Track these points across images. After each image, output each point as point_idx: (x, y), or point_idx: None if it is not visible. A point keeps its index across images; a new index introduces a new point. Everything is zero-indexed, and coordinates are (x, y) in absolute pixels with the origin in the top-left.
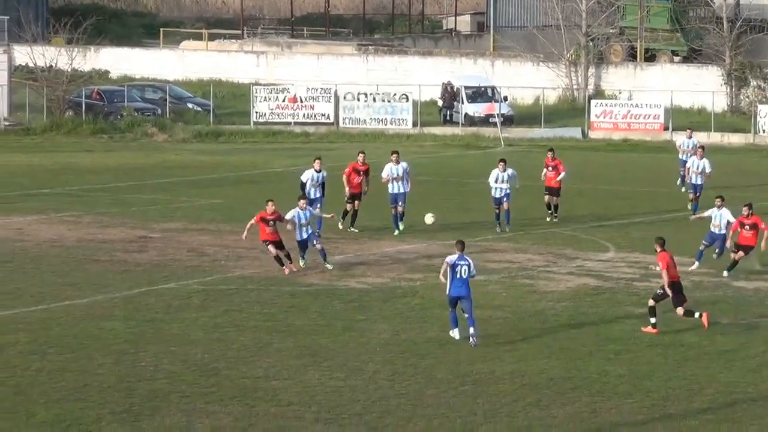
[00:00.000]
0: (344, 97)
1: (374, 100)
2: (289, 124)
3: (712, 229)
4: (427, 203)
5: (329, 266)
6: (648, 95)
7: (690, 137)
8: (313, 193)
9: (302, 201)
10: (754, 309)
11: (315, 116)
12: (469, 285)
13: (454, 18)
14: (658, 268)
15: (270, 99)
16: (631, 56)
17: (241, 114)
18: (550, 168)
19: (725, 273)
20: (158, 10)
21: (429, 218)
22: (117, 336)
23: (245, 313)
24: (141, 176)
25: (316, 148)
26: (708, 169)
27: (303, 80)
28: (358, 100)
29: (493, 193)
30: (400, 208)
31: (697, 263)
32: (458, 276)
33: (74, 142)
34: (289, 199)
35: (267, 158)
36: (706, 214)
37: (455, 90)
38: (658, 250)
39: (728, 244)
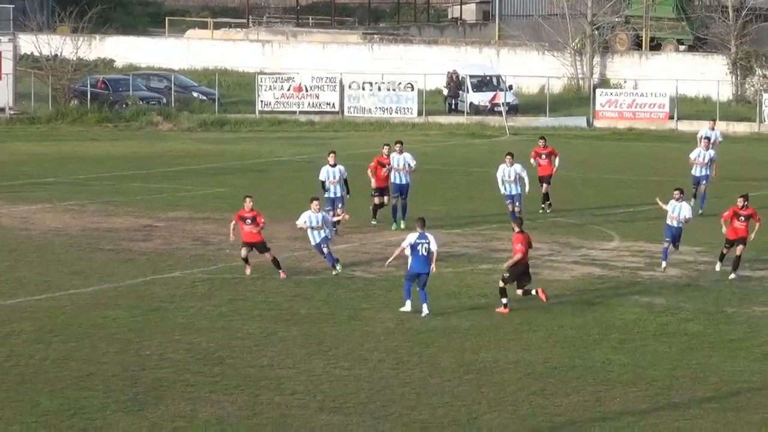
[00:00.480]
0: (349, 86)
1: (379, 89)
2: (294, 113)
3: (669, 221)
4: (432, 192)
5: (337, 269)
6: (653, 84)
7: (713, 128)
8: (333, 191)
9: (315, 202)
10: (759, 298)
11: (320, 105)
12: (429, 261)
13: (459, 7)
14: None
15: (275, 88)
16: (637, 45)
17: (246, 103)
18: (543, 156)
19: (717, 266)
20: None
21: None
22: (122, 325)
23: (250, 302)
24: (146, 165)
25: (321, 137)
26: (715, 157)
27: (308, 69)
28: (363, 89)
29: (502, 190)
30: (400, 201)
31: (664, 263)
32: (420, 254)
33: (79, 131)
34: (292, 187)
35: (272, 147)
36: (667, 206)
37: (460, 79)
38: (516, 230)
39: (725, 230)
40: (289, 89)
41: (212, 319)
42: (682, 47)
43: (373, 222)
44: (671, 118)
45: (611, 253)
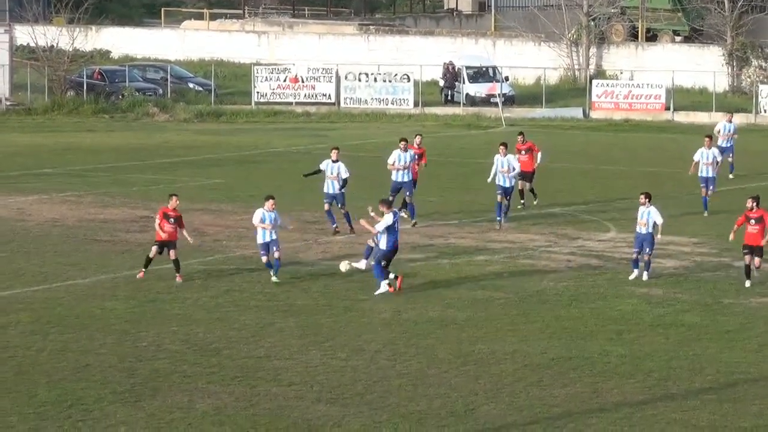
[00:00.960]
0: (345, 77)
1: (375, 80)
2: (290, 104)
3: (638, 228)
4: (428, 184)
5: (274, 279)
6: (649, 75)
7: (730, 121)
8: (329, 186)
9: (270, 201)
10: (756, 289)
11: (316, 96)
12: None
13: None
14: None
15: (271, 79)
16: (633, 36)
17: (242, 94)
18: (523, 152)
19: (747, 283)
20: None
21: (344, 266)
22: (118, 316)
23: (246, 293)
24: (142, 156)
25: (317, 128)
26: (718, 158)
27: (304, 60)
28: (360, 80)
29: (498, 180)
30: (407, 199)
31: (635, 272)
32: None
33: (75, 122)
34: (288, 178)
35: (268, 138)
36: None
37: (456, 70)
38: (385, 211)
39: (731, 237)
40: (285, 80)
41: (209, 310)
42: (678, 38)
43: (402, 214)
44: (667, 109)
45: (608, 244)
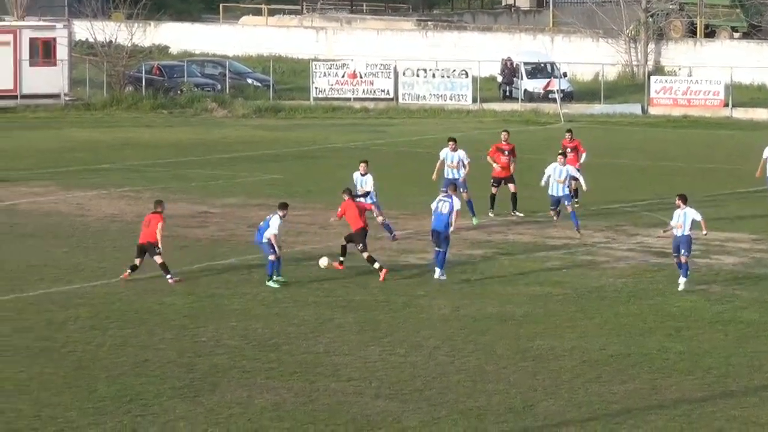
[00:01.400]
0: (404, 73)
1: (434, 76)
2: (348, 99)
3: (675, 231)
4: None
5: (271, 284)
6: (708, 71)
7: None
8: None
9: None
10: None
11: (374, 92)
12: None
13: None
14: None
15: (329, 74)
16: (691, 32)
17: (300, 89)
18: (569, 150)
19: None
20: None
21: (323, 261)
22: (177, 311)
23: (305, 289)
24: (201, 152)
25: (375, 123)
26: None
27: (362, 56)
28: (418, 75)
29: (550, 190)
30: (465, 195)
31: (683, 279)
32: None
33: (134, 117)
34: (346, 174)
35: (326, 134)
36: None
37: (515, 66)
38: (345, 198)
39: None
40: (343, 76)
41: (268, 305)
42: (736, 35)
43: (490, 214)
44: (726, 105)
45: (666, 240)
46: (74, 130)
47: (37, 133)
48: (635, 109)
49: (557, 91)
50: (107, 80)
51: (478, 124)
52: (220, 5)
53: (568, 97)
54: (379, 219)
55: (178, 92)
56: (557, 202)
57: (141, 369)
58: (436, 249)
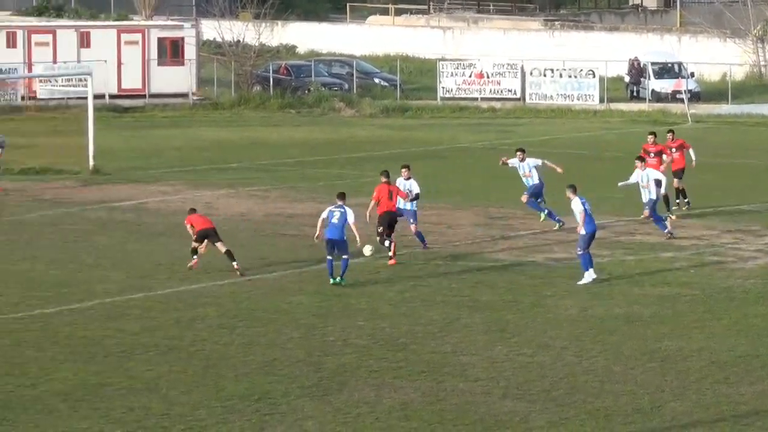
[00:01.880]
0: (530, 73)
1: (560, 75)
2: (475, 99)
3: None
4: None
5: (335, 280)
6: None
7: None
8: (404, 204)
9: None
10: None
11: (501, 92)
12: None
13: None
14: None
15: (456, 74)
16: None
17: (427, 89)
18: (674, 150)
19: None
20: None
21: (367, 250)
22: (305, 310)
23: (433, 288)
24: (328, 151)
25: (502, 123)
26: None
27: (489, 56)
28: (545, 75)
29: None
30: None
31: None
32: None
33: (262, 116)
34: (473, 173)
35: (453, 133)
36: None
37: (642, 66)
38: (382, 180)
39: None
40: (470, 75)
41: (395, 304)
42: None
43: (667, 213)
44: None
45: None
46: (202, 129)
47: (166, 132)
48: (764, 109)
49: (685, 91)
50: (235, 80)
51: (605, 124)
52: (347, 5)
53: (695, 97)
54: (413, 228)
55: (306, 92)
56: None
57: (269, 368)
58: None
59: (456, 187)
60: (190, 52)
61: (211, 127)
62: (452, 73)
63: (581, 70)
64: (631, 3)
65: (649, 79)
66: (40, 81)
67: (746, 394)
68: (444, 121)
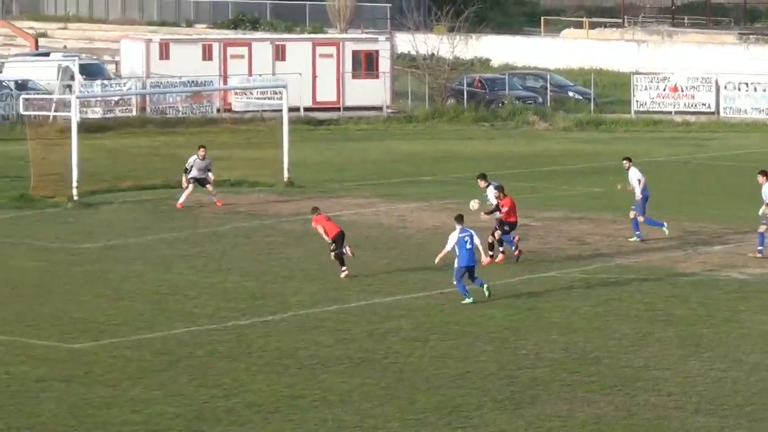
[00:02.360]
0: (725, 87)
1: (755, 89)
2: (669, 113)
3: None
4: None
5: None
6: None
7: None
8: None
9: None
10: None
11: (695, 105)
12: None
13: None
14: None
15: (650, 88)
16: None
17: (621, 103)
18: None
19: None
20: None
21: (474, 204)
22: (498, 324)
23: (626, 303)
24: (521, 164)
25: (696, 137)
26: None
27: (683, 69)
28: (739, 89)
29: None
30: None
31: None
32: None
33: (456, 129)
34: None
35: (647, 147)
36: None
37: None
38: (501, 196)
39: None
40: (664, 89)
41: (588, 319)
42: None
43: None
44: None
45: None
46: (396, 142)
47: (359, 145)
48: None
49: None
50: (429, 93)
51: None
52: (542, 18)
53: None
54: (497, 234)
55: (500, 105)
56: None
57: (462, 381)
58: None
59: (650, 201)
60: (384, 65)
61: (405, 140)
62: (646, 86)
63: None
64: None
65: None
66: (236, 93)
67: None
68: (638, 134)
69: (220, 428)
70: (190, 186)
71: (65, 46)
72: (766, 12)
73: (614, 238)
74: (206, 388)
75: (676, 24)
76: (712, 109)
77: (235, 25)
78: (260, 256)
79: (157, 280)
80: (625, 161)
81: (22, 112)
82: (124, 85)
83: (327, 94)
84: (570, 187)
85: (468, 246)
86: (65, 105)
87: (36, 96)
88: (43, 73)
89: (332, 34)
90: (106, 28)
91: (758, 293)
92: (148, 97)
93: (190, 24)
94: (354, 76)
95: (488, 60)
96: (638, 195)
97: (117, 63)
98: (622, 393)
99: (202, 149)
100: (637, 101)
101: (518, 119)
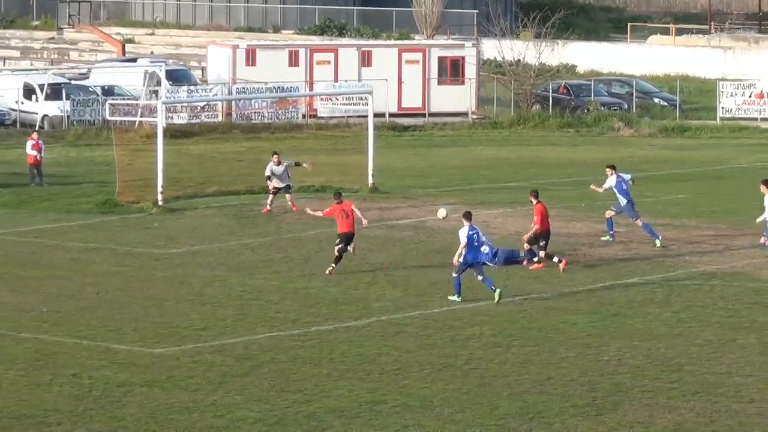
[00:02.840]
0: None
1: None
2: (755, 119)
3: None
4: None
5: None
6: None
7: None
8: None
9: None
10: None
11: None
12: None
13: None
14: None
15: (736, 94)
16: None
17: (707, 109)
18: None
19: None
20: (626, 4)
21: (441, 212)
22: (580, 330)
23: (708, 309)
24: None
25: None
26: None
27: None
28: None
29: None
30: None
31: None
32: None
33: (540, 136)
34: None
35: (732, 154)
36: None
37: None
38: (534, 202)
39: None
40: (750, 96)
41: (670, 325)
42: None
43: None
44: None
45: None
46: (480, 148)
47: (444, 151)
48: None
49: None
50: (514, 99)
51: None
52: (628, 25)
53: None
54: (525, 246)
55: (585, 111)
56: None
57: (543, 387)
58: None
59: (733, 207)
60: (470, 71)
61: (490, 146)
62: (732, 93)
63: None
64: None
65: None
66: (321, 99)
67: None
68: (723, 141)
69: None
70: (271, 195)
71: (152, 52)
72: None
73: (698, 244)
74: (288, 393)
75: (762, 30)
76: None
77: (321, 31)
78: (344, 261)
79: (240, 285)
80: (608, 169)
81: (108, 117)
82: (210, 91)
83: (412, 100)
84: (654, 193)
85: (475, 243)
86: (151, 111)
87: (122, 102)
88: (130, 78)
89: (419, 40)
90: (193, 34)
91: None
92: (233, 103)
93: (276, 30)
94: (440, 83)
95: (574, 66)
96: (622, 200)
97: (203, 69)
98: (704, 399)
99: (275, 155)
100: (722, 108)
101: (603, 125)
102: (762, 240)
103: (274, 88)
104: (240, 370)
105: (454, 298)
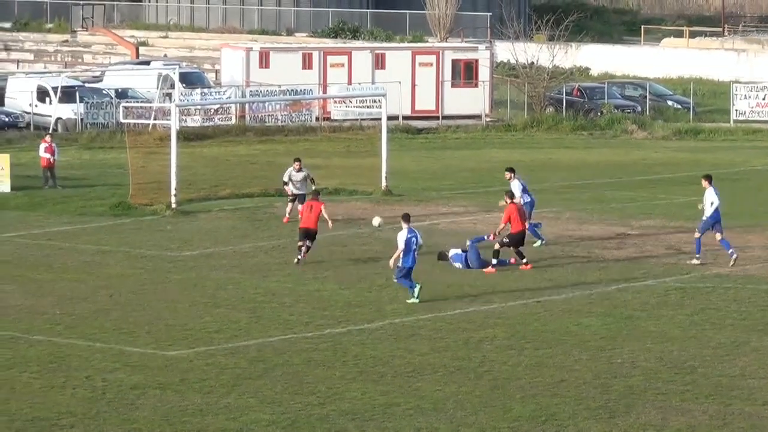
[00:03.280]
0: None
1: None
2: None
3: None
4: None
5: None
6: None
7: None
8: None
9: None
10: None
11: None
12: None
13: None
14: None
15: (750, 97)
16: None
17: (720, 112)
18: None
19: None
20: (639, 7)
21: (376, 221)
22: (594, 332)
23: (722, 312)
24: (619, 173)
25: None
26: None
27: None
28: None
29: None
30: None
31: None
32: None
33: (554, 138)
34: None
35: (746, 156)
36: None
37: None
38: (508, 201)
39: None
40: (764, 98)
41: (684, 327)
42: None
43: None
44: None
45: None
46: (494, 150)
47: (458, 153)
48: None
49: None
50: (528, 101)
51: None
52: (642, 27)
53: None
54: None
55: (598, 114)
56: None
57: (557, 389)
58: None
59: (747, 209)
60: (484, 73)
61: (503, 148)
62: (746, 95)
63: None
64: None
65: None
66: (335, 102)
67: None
68: (736, 143)
69: None
70: (290, 204)
71: (165, 55)
72: None
73: (711, 247)
74: (301, 396)
75: None
76: None
77: (335, 33)
78: (357, 264)
79: (253, 287)
80: (507, 173)
81: (121, 120)
82: (224, 94)
83: (426, 102)
84: (667, 195)
85: (414, 247)
86: (165, 113)
87: (136, 104)
88: (144, 81)
89: (432, 42)
90: (206, 37)
91: None
92: (247, 106)
93: (290, 33)
94: (453, 85)
95: (587, 69)
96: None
97: (217, 71)
98: (717, 402)
99: (297, 162)
100: (736, 110)
101: (617, 128)
102: (696, 234)
103: (288, 90)
104: (253, 373)
105: (413, 300)
